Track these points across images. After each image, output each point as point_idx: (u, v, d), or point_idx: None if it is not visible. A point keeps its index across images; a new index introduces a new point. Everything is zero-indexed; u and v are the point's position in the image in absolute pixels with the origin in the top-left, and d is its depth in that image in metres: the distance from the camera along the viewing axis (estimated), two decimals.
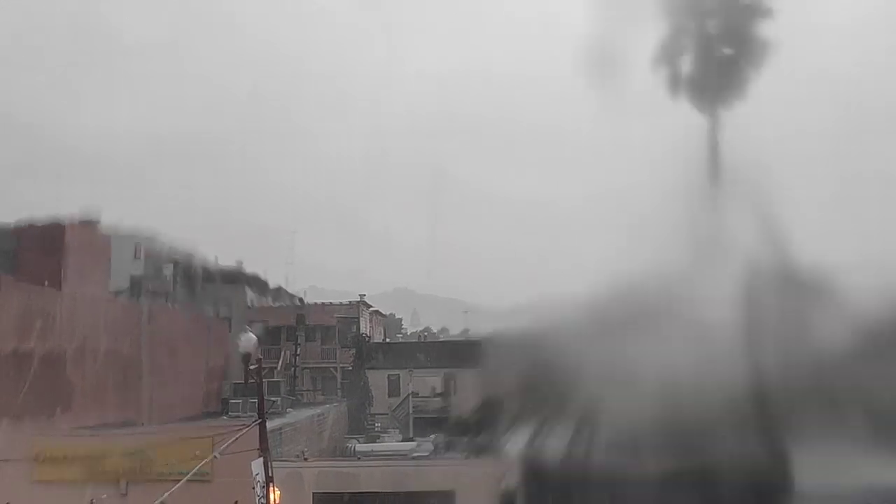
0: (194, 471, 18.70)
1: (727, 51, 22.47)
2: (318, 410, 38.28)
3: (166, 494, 17.10)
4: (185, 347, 35.76)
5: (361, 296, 59.69)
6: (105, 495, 20.56)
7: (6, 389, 22.84)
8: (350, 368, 51.83)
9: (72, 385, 26.12)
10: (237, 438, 19.13)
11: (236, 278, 56.03)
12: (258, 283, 58.74)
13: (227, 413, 32.38)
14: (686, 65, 23.08)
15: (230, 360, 40.60)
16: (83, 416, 26.06)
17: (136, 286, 48.53)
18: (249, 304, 53.90)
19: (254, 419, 19.32)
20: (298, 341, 51.92)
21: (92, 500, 20.76)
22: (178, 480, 17.87)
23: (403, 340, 78.40)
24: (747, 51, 22.10)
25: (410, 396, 53.34)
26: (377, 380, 52.97)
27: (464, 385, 55.96)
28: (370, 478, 23.22)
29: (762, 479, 23.63)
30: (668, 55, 23.06)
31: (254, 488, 18.39)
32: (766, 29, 22.47)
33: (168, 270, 49.16)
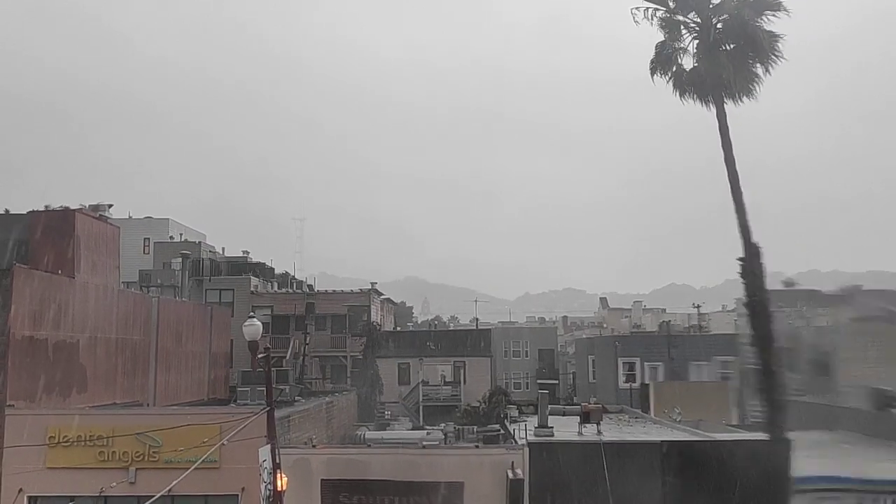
0: (202, 459, 18.92)
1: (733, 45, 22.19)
2: (328, 398, 38.41)
3: (175, 483, 17.27)
4: (190, 335, 36.03)
5: (372, 284, 59.84)
6: (115, 484, 20.79)
7: (22, 374, 23.07)
8: (360, 357, 52.03)
9: (84, 370, 26.38)
10: (245, 426, 19.33)
11: (242, 268, 56.42)
12: (263, 271, 59.04)
13: (234, 400, 32.59)
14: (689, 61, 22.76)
15: (235, 347, 40.87)
16: (95, 399, 26.34)
17: (145, 280, 49.16)
18: (253, 289, 54.15)
19: (262, 407, 19.50)
20: (308, 329, 52.13)
21: (102, 488, 21.01)
22: (187, 468, 18.08)
23: (414, 329, 78.66)
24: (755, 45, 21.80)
25: (420, 385, 53.58)
26: (387, 368, 53.25)
27: (474, 373, 56.35)
28: (379, 465, 23.21)
29: None
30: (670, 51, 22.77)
31: (261, 475, 18.57)
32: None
33: (177, 265, 49.68)
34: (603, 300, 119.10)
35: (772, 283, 22.62)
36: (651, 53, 23.17)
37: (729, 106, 21.84)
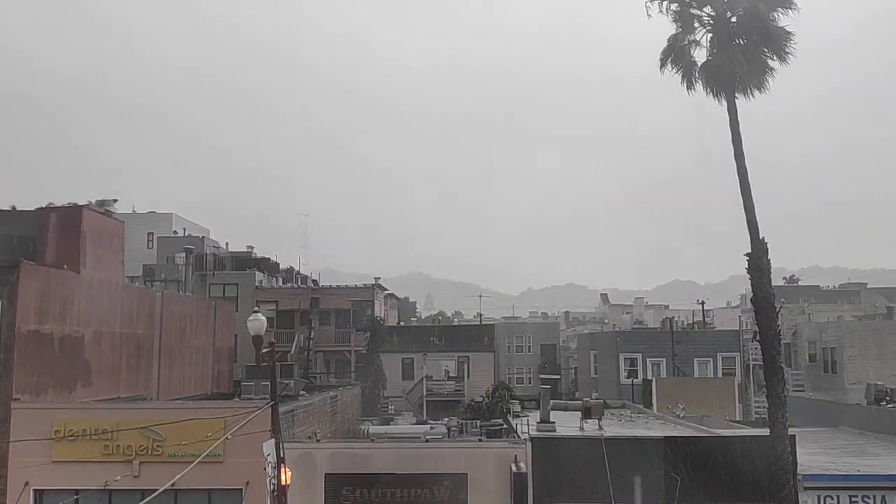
0: (206, 453, 19.04)
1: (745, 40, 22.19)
2: (332, 393, 38.50)
3: (178, 477, 17.37)
4: (193, 330, 36.13)
5: (376, 279, 59.97)
6: (118, 477, 20.92)
7: (28, 368, 23.18)
8: (364, 352, 52.16)
9: (89, 364, 26.50)
10: (249, 420, 19.45)
11: (246, 263, 56.55)
12: (268, 266, 59.16)
13: (239, 395, 32.66)
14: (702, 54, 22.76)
15: (239, 341, 40.93)
16: (99, 393, 26.47)
17: (149, 274, 49.28)
18: (257, 284, 54.25)
19: (266, 401, 19.59)
20: (312, 324, 52.24)
21: (106, 482, 21.15)
22: (190, 462, 18.17)
23: (418, 324, 78.83)
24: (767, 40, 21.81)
25: (424, 380, 53.69)
26: (391, 363, 53.41)
27: (477, 369, 56.50)
28: (382, 459, 23.29)
29: None
30: (681, 45, 22.77)
31: (265, 469, 18.67)
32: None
33: (181, 260, 49.81)
34: (603, 296, 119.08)
35: (774, 280, 22.57)
36: (654, 53, 23.21)
37: (739, 101, 21.83)
